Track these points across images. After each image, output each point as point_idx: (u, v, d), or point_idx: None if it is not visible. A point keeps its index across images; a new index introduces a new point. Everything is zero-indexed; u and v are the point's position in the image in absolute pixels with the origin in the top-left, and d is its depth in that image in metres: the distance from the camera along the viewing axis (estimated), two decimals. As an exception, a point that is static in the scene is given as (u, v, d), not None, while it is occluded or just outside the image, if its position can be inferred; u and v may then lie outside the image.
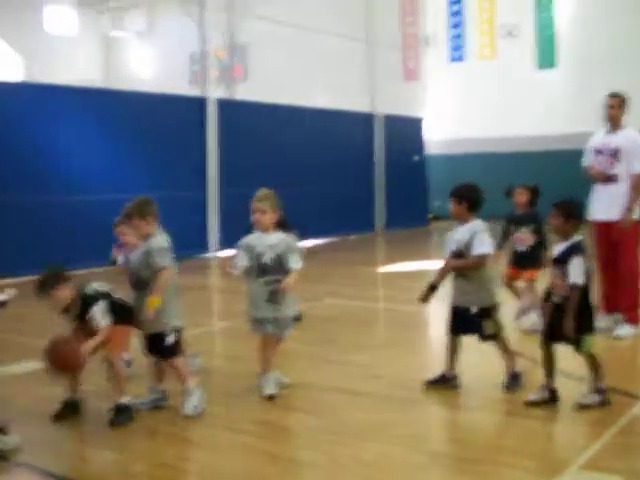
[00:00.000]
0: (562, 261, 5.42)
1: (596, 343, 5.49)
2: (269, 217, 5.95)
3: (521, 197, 8.41)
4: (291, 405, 5.82)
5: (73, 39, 25.13)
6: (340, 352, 7.41)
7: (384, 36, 22.17)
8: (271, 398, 5.80)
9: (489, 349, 6.12)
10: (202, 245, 16.00)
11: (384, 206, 21.74)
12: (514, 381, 5.90)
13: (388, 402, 5.76)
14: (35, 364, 6.36)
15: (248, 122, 17.16)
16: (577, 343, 5.37)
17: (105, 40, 27.33)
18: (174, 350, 5.58)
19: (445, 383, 5.97)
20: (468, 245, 5.93)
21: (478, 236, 5.91)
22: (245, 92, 19.98)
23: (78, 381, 5.52)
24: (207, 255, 15.92)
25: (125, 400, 5.40)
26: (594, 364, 5.47)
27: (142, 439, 5.17)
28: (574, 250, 5.41)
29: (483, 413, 5.56)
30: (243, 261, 5.94)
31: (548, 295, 5.58)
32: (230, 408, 5.68)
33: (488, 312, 5.89)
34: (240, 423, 5.35)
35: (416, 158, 23.24)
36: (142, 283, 5.55)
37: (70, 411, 5.48)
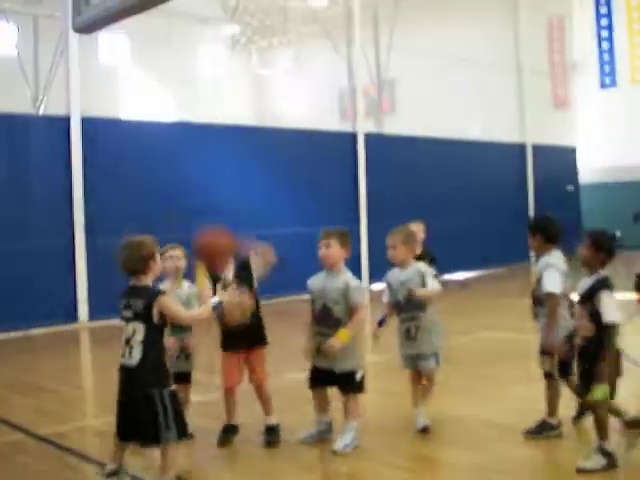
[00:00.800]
0: (588, 298, 5.03)
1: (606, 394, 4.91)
2: (399, 252, 5.91)
3: None
4: (446, 439, 5.78)
5: (225, 78, 26.05)
6: (496, 386, 7.31)
7: (532, 64, 21.87)
8: (425, 430, 5.78)
9: None
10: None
11: (535, 237, 21.28)
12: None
13: (545, 438, 5.62)
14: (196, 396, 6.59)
15: (396, 155, 17.29)
16: (586, 390, 4.95)
17: (255, 78, 28.20)
18: (362, 386, 5.65)
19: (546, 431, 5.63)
20: (539, 280, 5.70)
21: (544, 273, 5.65)
22: (393, 125, 20.12)
23: (235, 407, 5.68)
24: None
25: (274, 421, 5.55)
26: (600, 419, 4.94)
27: (299, 473, 5.23)
28: (600, 285, 5.02)
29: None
30: (386, 297, 6.01)
31: (570, 336, 5.31)
32: (385, 443, 5.69)
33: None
34: (396, 458, 5.34)
35: (570, 188, 22.67)
36: (331, 317, 5.55)
37: (230, 436, 5.64)
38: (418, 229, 8.17)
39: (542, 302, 5.61)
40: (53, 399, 7.54)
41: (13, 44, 15.95)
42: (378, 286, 16.21)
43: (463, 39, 20.96)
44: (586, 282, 5.13)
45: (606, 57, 23.63)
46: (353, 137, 16.72)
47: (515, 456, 5.25)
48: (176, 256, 6.04)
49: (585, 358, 5.02)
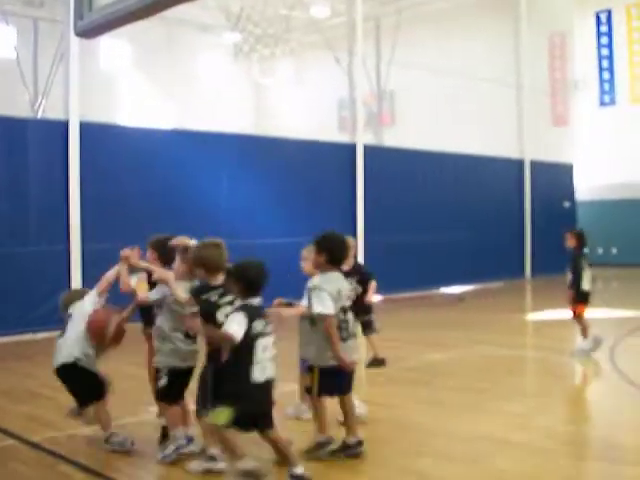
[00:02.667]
0: None
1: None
2: (308, 264, 6.10)
3: None
4: (440, 454, 5.74)
5: (225, 87, 26.05)
6: (490, 400, 7.27)
7: (533, 81, 21.92)
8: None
9: None
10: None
11: (532, 253, 21.30)
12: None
13: (540, 454, 5.60)
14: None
15: (395, 168, 17.30)
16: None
17: (256, 88, 28.20)
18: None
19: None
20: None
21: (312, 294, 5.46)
22: (392, 138, 20.14)
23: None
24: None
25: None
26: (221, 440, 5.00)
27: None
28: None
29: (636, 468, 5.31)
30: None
31: None
32: (378, 456, 5.64)
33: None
34: (389, 472, 5.28)
35: (567, 204, 22.71)
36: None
37: None
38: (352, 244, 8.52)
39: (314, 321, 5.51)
40: (47, 406, 7.48)
41: (13, 47, 15.93)
42: (375, 297, 16.28)
43: (464, 54, 21.01)
44: None
45: (606, 75, 23.70)
46: (352, 148, 16.71)
47: (510, 470, 5.22)
48: None
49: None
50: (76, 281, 12.38)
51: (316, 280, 5.50)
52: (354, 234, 16.29)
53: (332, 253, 5.51)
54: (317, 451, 5.48)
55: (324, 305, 5.36)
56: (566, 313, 10.18)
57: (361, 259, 16.28)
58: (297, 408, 6.68)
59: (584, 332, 9.48)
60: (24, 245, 11.98)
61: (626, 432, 6.11)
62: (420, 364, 9.18)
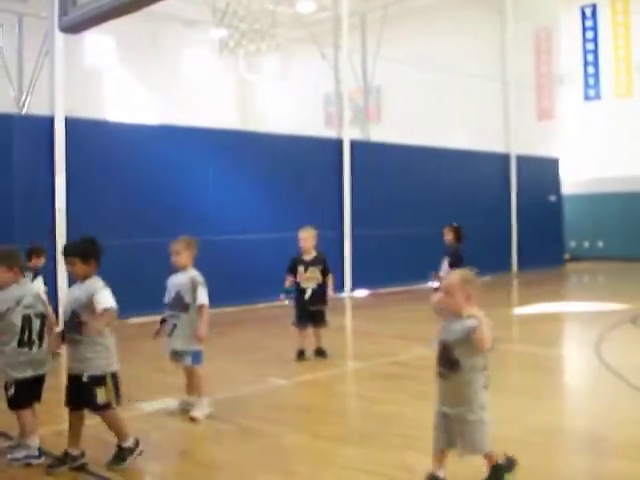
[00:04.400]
0: None
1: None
2: (181, 257, 6.55)
3: None
4: (429, 447, 5.75)
5: (211, 82, 26.00)
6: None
7: (518, 75, 21.98)
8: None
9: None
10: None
11: (518, 247, 21.38)
12: None
13: (526, 448, 5.61)
14: (170, 401, 6.58)
15: (382, 163, 17.32)
16: None
17: (241, 83, 28.16)
18: None
19: None
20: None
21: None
22: (379, 133, 20.15)
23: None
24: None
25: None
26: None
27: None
28: None
29: (622, 461, 5.34)
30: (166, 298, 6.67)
31: None
32: (367, 450, 5.66)
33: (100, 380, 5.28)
34: (377, 466, 5.30)
35: (553, 198, 22.80)
36: None
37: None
38: (310, 235, 9.03)
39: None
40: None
41: (-4, 43, 15.84)
42: (362, 292, 16.32)
43: (450, 49, 21.05)
44: None
45: (591, 70, 23.77)
46: (339, 143, 16.71)
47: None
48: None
49: None
50: (62, 279, 12.32)
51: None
52: (341, 229, 16.31)
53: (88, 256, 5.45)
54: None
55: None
56: (552, 307, 10.22)
57: (348, 254, 16.34)
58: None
59: None
60: (9, 242, 11.90)
61: (613, 425, 6.14)
62: (407, 358, 9.19)
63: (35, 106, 13.98)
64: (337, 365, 8.83)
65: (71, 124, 12.50)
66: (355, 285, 16.32)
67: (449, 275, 4.95)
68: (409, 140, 18.25)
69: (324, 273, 9.08)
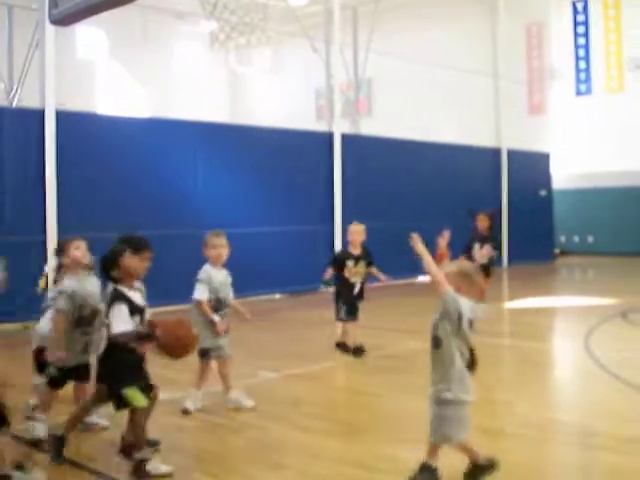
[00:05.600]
0: None
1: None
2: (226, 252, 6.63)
3: None
4: (421, 440, 5.76)
5: (202, 75, 25.96)
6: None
7: (509, 70, 22.00)
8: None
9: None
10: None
11: (508, 241, 21.42)
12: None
13: (518, 441, 5.64)
14: (163, 395, 6.56)
15: (373, 157, 17.31)
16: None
17: (232, 76, 28.11)
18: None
19: None
20: None
21: None
22: (369, 127, 20.15)
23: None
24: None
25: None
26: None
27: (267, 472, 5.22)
28: None
29: (611, 454, 5.36)
30: (205, 294, 6.55)
31: None
32: (354, 442, 5.67)
33: None
34: (365, 458, 5.31)
35: (543, 193, 22.87)
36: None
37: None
38: (360, 230, 8.73)
39: None
40: (24, 397, 7.44)
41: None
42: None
43: (441, 43, 21.07)
44: None
45: (582, 65, 23.81)
46: (330, 137, 16.70)
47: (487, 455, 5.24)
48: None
49: None
50: (53, 272, 12.28)
51: None
52: (331, 222, 16.30)
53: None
54: None
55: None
56: (542, 301, 10.27)
57: (338, 247, 16.35)
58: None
59: None
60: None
61: (602, 419, 6.17)
62: (400, 352, 9.22)
63: (25, 99, 13.92)
64: (327, 358, 8.84)
65: (62, 117, 12.44)
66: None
67: (447, 266, 5.00)
68: (400, 134, 18.25)
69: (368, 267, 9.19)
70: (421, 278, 17.33)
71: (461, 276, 4.81)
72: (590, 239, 24.14)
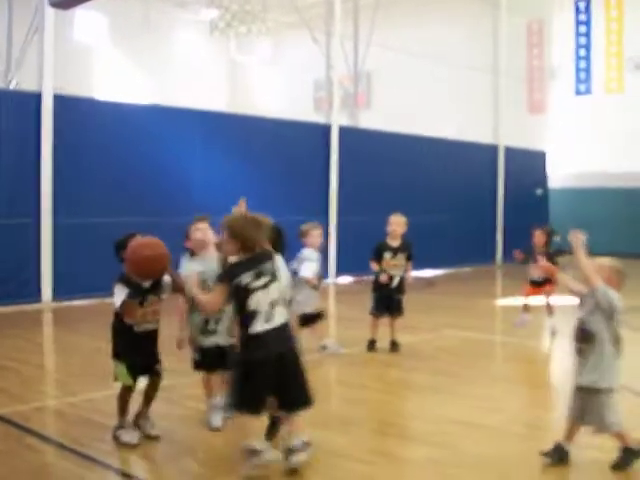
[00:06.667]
0: None
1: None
2: None
3: None
4: (408, 435, 5.78)
5: (201, 64, 25.86)
6: (459, 384, 7.31)
7: (510, 67, 21.98)
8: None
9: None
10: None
11: (503, 238, 21.44)
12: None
13: (507, 437, 5.64)
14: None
15: (370, 150, 17.29)
16: None
17: (232, 66, 28.01)
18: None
19: None
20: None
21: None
22: (368, 120, 20.11)
23: None
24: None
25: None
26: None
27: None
28: None
29: (601, 453, 5.35)
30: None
31: None
32: (347, 436, 5.66)
33: None
34: (356, 451, 5.30)
35: (539, 191, 22.87)
36: None
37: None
38: (401, 221, 8.89)
39: None
40: (13, 378, 7.44)
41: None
42: (345, 278, 16.32)
43: (442, 38, 20.98)
44: None
45: (582, 64, 23.74)
46: (327, 129, 16.67)
47: (475, 452, 5.24)
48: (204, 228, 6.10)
49: None
50: (46, 255, 12.27)
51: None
52: (326, 214, 16.28)
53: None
54: None
55: None
56: (535, 299, 10.30)
57: (333, 239, 16.34)
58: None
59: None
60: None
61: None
62: (388, 345, 9.20)
63: (23, 82, 13.87)
64: (319, 351, 8.83)
65: (59, 101, 12.40)
66: (340, 271, 16.32)
67: (601, 260, 5.24)
68: (398, 128, 18.23)
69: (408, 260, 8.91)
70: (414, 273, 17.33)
71: (615, 271, 5.08)
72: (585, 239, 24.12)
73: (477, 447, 5.36)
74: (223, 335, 5.73)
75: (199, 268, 5.75)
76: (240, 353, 4.78)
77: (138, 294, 5.29)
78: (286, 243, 5.56)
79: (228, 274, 4.79)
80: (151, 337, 5.47)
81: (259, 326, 4.69)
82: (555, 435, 5.12)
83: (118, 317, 5.36)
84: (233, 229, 4.87)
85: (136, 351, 5.38)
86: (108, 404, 5.72)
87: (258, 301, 4.70)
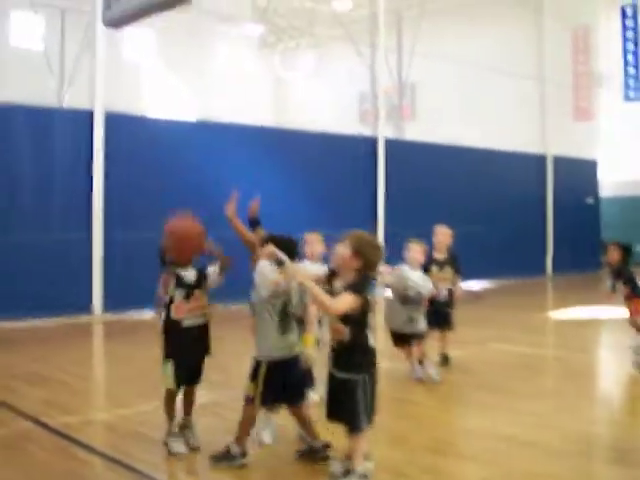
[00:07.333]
0: None
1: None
2: None
3: None
4: (460, 453, 5.73)
5: (246, 78, 26.05)
6: (509, 399, 7.23)
7: (556, 75, 21.77)
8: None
9: None
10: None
11: (554, 250, 21.18)
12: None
13: (558, 454, 5.57)
14: (205, 396, 6.59)
15: (416, 161, 17.26)
16: None
17: (277, 80, 28.19)
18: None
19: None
20: None
21: None
22: (413, 131, 20.08)
23: None
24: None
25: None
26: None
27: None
28: None
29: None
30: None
31: None
32: (399, 453, 5.63)
33: None
34: (409, 469, 5.26)
35: (590, 201, 22.57)
36: None
37: None
38: (447, 233, 8.81)
39: None
40: (63, 390, 7.56)
41: (40, 36, 16.00)
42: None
43: (486, 47, 20.90)
44: None
45: (631, 70, 23.45)
46: (373, 142, 16.68)
47: (526, 470, 5.18)
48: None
49: None
50: (97, 268, 12.47)
51: None
52: (374, 227, 16.27)
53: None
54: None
55: None
56: (587, 312, 10.05)
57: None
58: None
59: None
60: (47, 232, 12.07)
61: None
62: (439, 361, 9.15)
63: (75, 99, 14.13)
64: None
65: (110, 118, 12.61)
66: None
67: None
68: (444, 138, 18.17)
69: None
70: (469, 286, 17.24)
71: None
72: (639, 248, 23.73)
73: (528, 465, 5.30)
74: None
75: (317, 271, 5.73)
76: (363, 367, 4.81)
77: (184, 288, 5.38)
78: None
79: (364, 286, 4.83)
80: (201, 333, 5.50)
81: (372, 340, 4.86)
82: (605, 453, 5.04)
83: (167, 313, 5.41)
84: (361, 247, 4.91)
85: (185, 349, 5.41)
86: (158, 416, 5.77)
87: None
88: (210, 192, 13.73)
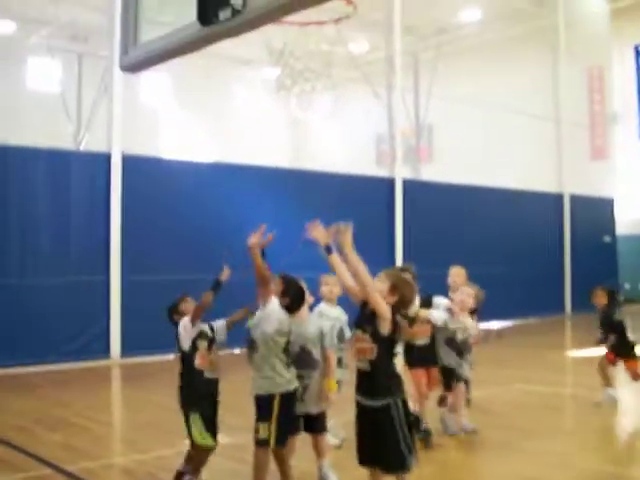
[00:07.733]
0: None
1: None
2: None
3: None
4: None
5: (263, 121, 26.23)
6: (530, 439, 7.13)
7: (572, 114, 21.80)
8: None
9: None
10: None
11: (572, 288, 21.04)
12: None
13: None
14: (224, 439, 6.53)
15: (433, 202, 17.26)
16: None
17: (294, 122, 28.34)
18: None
19: None
20: None
21: None
22: (430, 172, 20.11)
23: None
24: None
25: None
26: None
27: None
28: None
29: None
30: None
31: None
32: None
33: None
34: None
35: (607, 239, 22.46)
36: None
37: None
38: (460, 272, 8.35)
39: None
40: (82, 435, 7.52)
41: (57, 81, 16.20)
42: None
43: (502, 88, 20.98)
44: None
45: (645, 109, 23.50)
46: (391, 183, 16.70)
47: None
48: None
49: None
50: (115, 311, 12.47)
51: None
52: (392, 268, 16.21)
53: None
54: None
55: None
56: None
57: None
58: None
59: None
60: (65, 275, 12.10)
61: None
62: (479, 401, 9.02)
63: (92, 143, 14.25)
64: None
65: (127, 161, 12.71)
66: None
67: None
68: (461, 179, 18.18)
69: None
70: (481, 325, 17.08)
71: None
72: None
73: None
74: (312, 403, 5.55)
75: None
76: (392, 390, 4.58)
77: (206, 340, 5.38)
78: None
79: (402, 311, 4.98)
80: (216, 388, 5.42)
81: (398, 367, 4.94)
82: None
83: (188, 363, 5.33)
84: (398, 283, 5.03)
85: (207, 400, 5.30)
86: (176, 461, 5.72)
87: None
88: (227, 233, 13.78)
